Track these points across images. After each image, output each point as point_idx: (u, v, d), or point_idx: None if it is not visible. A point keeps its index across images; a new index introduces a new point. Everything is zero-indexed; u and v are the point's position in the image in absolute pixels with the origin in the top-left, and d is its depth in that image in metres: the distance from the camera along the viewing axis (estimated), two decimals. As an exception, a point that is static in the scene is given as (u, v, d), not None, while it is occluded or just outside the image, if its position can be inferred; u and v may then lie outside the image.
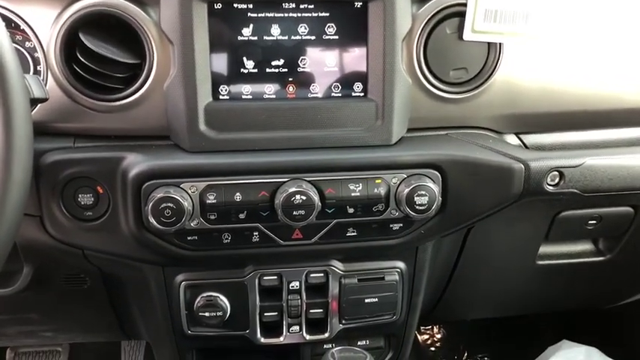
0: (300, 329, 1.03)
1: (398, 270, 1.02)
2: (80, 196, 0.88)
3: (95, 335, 1.36)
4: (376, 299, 1.01)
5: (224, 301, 0.98)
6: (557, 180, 0.96)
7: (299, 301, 1.00)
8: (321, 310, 1.02)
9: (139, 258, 0.95)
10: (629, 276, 1.26)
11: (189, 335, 1.01)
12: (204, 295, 0.97)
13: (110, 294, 1.10)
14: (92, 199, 0.88)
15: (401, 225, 0.94)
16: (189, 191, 0.86)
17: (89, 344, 1.87)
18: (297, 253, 0.96)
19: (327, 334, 1.04)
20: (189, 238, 0.90)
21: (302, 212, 0.87)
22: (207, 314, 0.97)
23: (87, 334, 1.34)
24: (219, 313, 0.97)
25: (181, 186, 0.86)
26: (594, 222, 1.13)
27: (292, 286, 0.99)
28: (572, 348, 1.21)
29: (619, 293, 1.34)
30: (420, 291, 1.06)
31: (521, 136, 1.00)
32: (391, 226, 0.93)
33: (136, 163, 0.86)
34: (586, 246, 1.23)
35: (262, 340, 1.02)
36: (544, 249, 1.19)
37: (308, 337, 1.03)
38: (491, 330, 1.87)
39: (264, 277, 0.99)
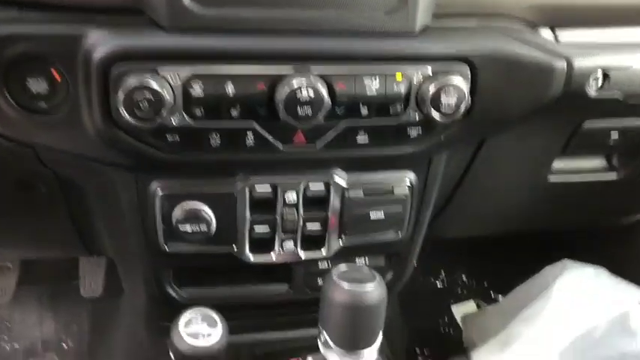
0: (295, 246, 0.90)
1: (408, 182, 0.89)
2: (30, 81, 0.70)
3: (50, 251, 1.21)
4: (382, 215, 0.89)
5: (208, 213, 0.83)
6: (600, 83, 0.83)
7: (295, 215, 0.87)
8: (319, 226, 0.89)
9: (106, 160, 0.79)
10: (640, 193, 1.18)
11: (166, 252, 0.87)
12: (186, 205, 0.83)
13: (69, 204, 0.94)
14: (46, 86, 0.71)
15: (420, 130, 0.80)
16: (170, 79, 0.70)
17: (43, 261, 1.71)
18: (296, 161, 0.82)
19: (324, 252, 0.91)
20: (168, 138, 0.75)
21: (308, 111, 0.72)
22: (188, 228, 0.83)
23: (41, 250, 1.19)
24: (203, 228, 0.83)
25: (160, 73, 0.69)
26: (617, 135, 1.02)
27: (288, 199, 0.86)
28: (578, 268, 1.14)
29: (629, 210, 1.26)
30: (429, 206, 0.94)
31: (557, 30, 0.86)
32: (409, 131, 0.80)
33: (102, 40, 0.68)
34: (600, 162, 1.13)
35: (251, 258, 0.90)
36: (557, 164, 1.09)
37: (303, 254, 0.91)
38: (478, 250, 1.81)
39: (257, 188, 0.84)
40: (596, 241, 1.46)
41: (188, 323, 0.79)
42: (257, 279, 0.97)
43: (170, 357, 1.01)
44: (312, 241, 0.92)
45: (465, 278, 1.97)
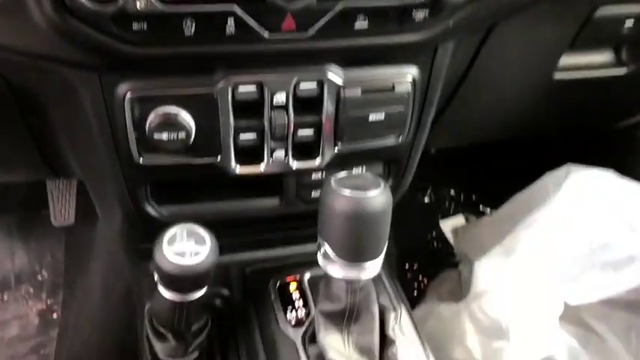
0: (286, 155, 0.81)
1: (411, 78, 0.79)
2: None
3: (12, 174, 1.10)
4: (382, 116, 0.79)
5: (186, 119, 0.73)
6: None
7: (285, 119, 0.77)
8: (312, 131, 0.80)
9: (62, 58, 0.68)
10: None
11: (141, 165, 0.77)
12: (160, 110, 0.72)
13: (26, 117, 0.83)
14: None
15: (426, 13, 0.69)
16: None
17: (8, 189, 1.60)
18: (285, 53, 0.71)
19: (317, 161, 0.82)
20: (134, 26, 0.63)
21: None
22: (164, 137, 0.73)
23: (1, 173, 1.07)
24: (181, 135, 0.73)
25: None
26: (631, 23, 0.93)
27: (276, 100, 0.75)
28: (583, 171, 1.07)
29: (634, 109, 1.19)
30: (433, 104, 0.85)
31: None
32: (414, 14, 0.69)
33: None
34: (608, 56, 1.05)
35: (238, 169, 0.80)
36: (564, 60, 1.00)
37: (295, 164, 0.82)
38: (466, 163, 1.75)
39: (240, 88, 0.74)
40: (595, 147, 1.40)
41: (172, 240, 0.71)
42: (244, 193, 0.88)
43: (153, 279, 0.94)
44: (305, 150, 0.82)
45: (452, 193, 1.92)
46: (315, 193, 0.88)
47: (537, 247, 1.00)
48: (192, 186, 0.87)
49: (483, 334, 1.00)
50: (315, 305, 0.82)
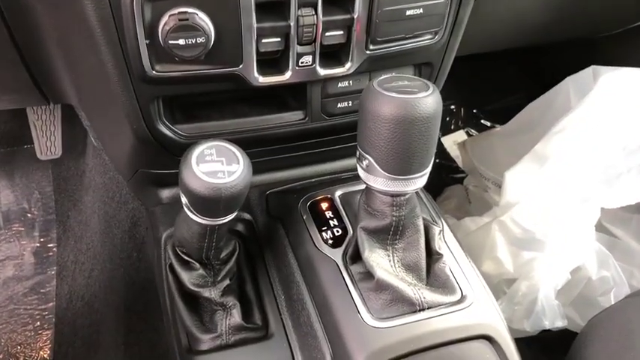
0: (313, 61, 0.72)
1: None
2: None
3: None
4: (420, 10, 0.71)
5: (205, 20, 0.64)
6: None
7: (314, 19, 0.68)
8: (342, 33, 0.72)
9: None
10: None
11: (154, 77, 0.68)
12: (175, 11, 0.63)
13: (13, 32, 0.73)
14: None
15: None
16: None
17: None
18: None
19: (347, 66, 0.75)
20: None
21: None
22: (180, 42, 0.64)
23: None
24: (200, 40, 0.64)
25: None
26: None
27: (305, -3, 0.67)
28: (612, 71, 1.01)
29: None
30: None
31: None
32: None
33: None
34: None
35: (260, 79, 0.72)
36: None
37: (322, 71, 0.74)
38: (464, 76, 1.67)
39: None
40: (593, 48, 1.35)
41: (200, 159, 0.63)
42: (264, 109, 0.80)
43: (169, 206, 0.87)
44: (332, 54, 0.74)
45: (452, 107, 1.86)
46: (341, 105, 0.81)
47: (570, 153, 0.96)
48: (206, 102, 0.79)
49: (515, 245, 0.96)
50: (350, 223, 0.76)
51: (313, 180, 0.89)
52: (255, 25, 0.67)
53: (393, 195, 0.67)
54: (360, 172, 0.67)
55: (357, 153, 0.67)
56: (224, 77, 0.70)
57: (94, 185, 1.36)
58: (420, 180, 0.65)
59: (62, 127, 1.43)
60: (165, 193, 0.91)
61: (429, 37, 0.76)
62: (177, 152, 0.78)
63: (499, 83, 1.89)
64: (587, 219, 0.93)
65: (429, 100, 0.61)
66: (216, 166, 0.63)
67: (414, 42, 0.76)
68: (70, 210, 1.44)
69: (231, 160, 0.64)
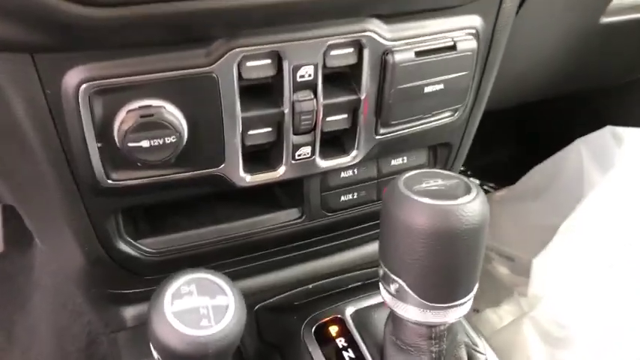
0: (312, 152, 0.58)
1: (473, 31, 0.58)
2: None
3: None
4: (441, 85, 0.58)
5: (175, 114, 0.49)
6: None
7: (313, 102, 0.54)
8: (346, 116, 0.58)
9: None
10: None
11: (110, 188, 0.52)
12: (135, 105, 0.47)
13: None
14: None
15: None
16: None
17: None
18: (309, 4, 0.48)
19: (353, 154, 0.60)
20: None
21: None
22: (144, 143, 0.48)
23: None
24: (169, 139, 0.49)
25: None
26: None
27: (301, 76, 0.52)
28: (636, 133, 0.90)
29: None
30: (495, 66, 0.65)
31: None
32: None
33: None
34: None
35: (248, 178, 0.57)
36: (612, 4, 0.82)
37: (323, 163, 0.60)
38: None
39: (249, 62, 0.50)
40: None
41: (177, 298, 0.47)
42: (250, 208, 0.65)
43: (134, 332, 0.70)
44: (333, 141, 0.60)
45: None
46: (344, 198, 0.66)
47: (603, 230, 0.83)
48: (177, 205, 0.63)
49: (548, 343, 0.82)
50: (371, 355, 0.60)
51: (312, 286, 0.73)
52: (239, 114, 0.52)
53: (431, 325, 0.51)
54: (386, 297, 0.52)
55: (381, 272, 0.51)
56: (202, 181, 0.55)
57: (43, 286, 1.16)
58: (465, 306, 0.51)
59: (4, 217, 1.23)
60: (130, 312, 0.73)
61: (448, 114, 0.63)
62: (143, 272, 0.61)
63: (479, 137, 1.78)
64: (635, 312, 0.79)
65: (475, 206, 0.47)
66: (198, 308, 0.47)
67: (432, 121, 0.62)
68: (16, 314, 1.23)
69: (218, 299, 0.48)
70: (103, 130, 0.48)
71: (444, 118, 0.63)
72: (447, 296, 0.49)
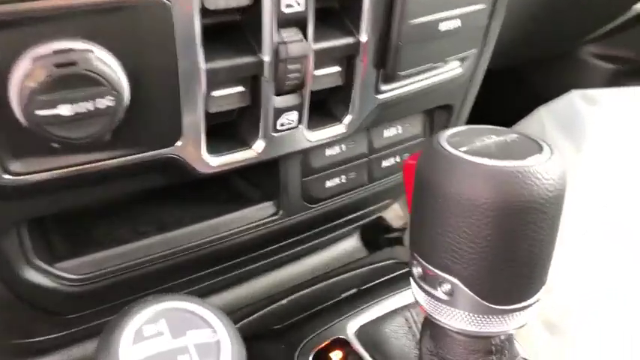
0: (300, 119, 0.43)
1: None
2: None
3: None
4: (458, 22, 0.44)
5: (110, 64, 0.32)
6: None
7: (303, 44, 0.39)
8: (339, 70, 0.43)
9: None
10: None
11: (10, 186, 0.34)
12: (48, 48, 0.30)
13: None
14: None
15: None
16: None
17: None
18: None
19: (347, 121, 0.46)
20: None
21: None
22: (63, 110, 0.31)
23: None
24: (103, 102, 0.31)
25: None
26: None
27: (288, 5, 0.37)
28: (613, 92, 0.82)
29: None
30: (504, 6, 0.52)
31: None
32: None
33: None
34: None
35: (213, 161, 0.41)
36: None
37: (311, 134, 0.44)
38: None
39: None
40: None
41: (139, 339, 0.30)
42: (207, 206, 0.48)
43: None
44: (319, 105, 0.45)
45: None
46: (331, 183, 0.51)
47: (579, 198, 0.73)
48: (108, 209, 0.45)
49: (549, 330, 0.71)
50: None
51: (297, 296, 0.57)
52: (203, 65, 0.36)
53: (491, 336, 0.38)
54: (428, 305, 0.38)
55: (418, 271, 0.37)
56: (147, 169, 0.38)
57: None
58: (537, 305, 0.37)
59: None
60: None
61: (457, 64, 0.50)
62: (63, 309, 0.43)
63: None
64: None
65: (555, 167, 0.34)
66: (174, 354, 0.30)
67: (440, 73, 0.49)
68: None
69: (203, 335, 0.31)
70: (-5, 91, 0.30)
71: (451, 70, 0.49)
72: (518, 293, 0.36)
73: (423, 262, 0.37)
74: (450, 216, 0.34)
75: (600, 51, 1.18)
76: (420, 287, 0.38)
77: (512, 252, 0.34)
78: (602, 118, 0.78)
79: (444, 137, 0.36)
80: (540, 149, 0.35)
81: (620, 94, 0.84)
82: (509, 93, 1.32)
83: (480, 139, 0.36)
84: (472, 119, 0.60)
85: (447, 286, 0.36)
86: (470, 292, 0.35)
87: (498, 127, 0.38)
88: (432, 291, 0.37)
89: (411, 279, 0.39)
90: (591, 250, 0.75)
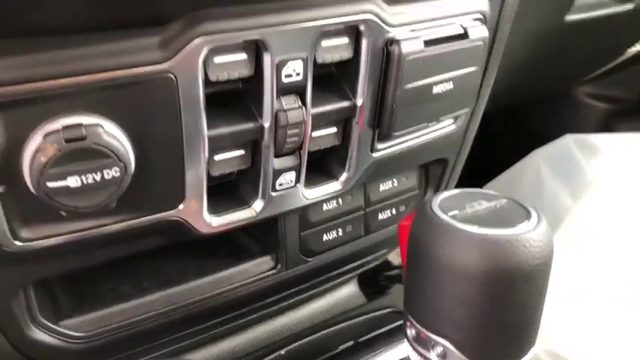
0: (297, 179, 0.44)
1: (481, 16, 0.47)
2: None
3: None
4: (451, 84, 0.46)
5: (117, 136, 0.33)
6: None
7: (302, 111, 0.40)
8: (336, 131, 0.45)
9: None
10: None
11: (19, 252, 0.35)
12: (58, 124, 0.32)
13: None
14: None
15: None
16: None
17: None
18: None
19: (343, 179, 0.47)
20: None
21: None
22: (71, 182, 0.32)
23: None
24: (110, 173, 0.33)
25: None
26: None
27: (287, 75, 0.39)
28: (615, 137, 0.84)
29: (632, 42, 0.98)
30: (497, 63, 0.54)
31: None
32: None
33: None
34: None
35: (214, 221, 0.42)
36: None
37: (309, 192, 0.46)
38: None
39: (219, 54, 0.36)
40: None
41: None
42: (207, 262, 0.50)
43: None
44: (317, 164, 0.47)
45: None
46: (328, 237, 0.53)
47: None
48: (112, 266, 0.47)
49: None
50: None
51: (295, 346, 0.57)
52: (205, 132, 0.37)
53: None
54: None
55: (411, 332, 0.38)
56: (151, 231, 0.39)
57: None
58: None
59: None
60: None
61: (450, 122, 0.52)
62: None
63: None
64: None
65: (542, 235, 0.35)
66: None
67: (434, 131, 0.50)
68: None
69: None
70: (6, 166, 0.32)
71: (445, 127, 0.51)
72: (509, 355, 0.37)
73: (417, 325, 0.38)
74: (441, 282, 0.35)
75: (595, 91, 1.21)
76: (414, 348, 0.39)
77: (503, 316, 0.35)
78: (598, 166, 0.80)
79: (436, 202, 0.37)
80: (528, 215, 0.36)
81: (613, 138, 0.85)
82: (505, 131, 1.34)
83: (470, 204, 0.38)
84: (469, 159, 0.62)
85: (439, 349, 0.37)
86: (462, 356, 0.36)
87: (489, 192, 0.39)
88: (426, 353, 0.38)
89: (405, 340, 0.40)
90: (587, 303, 0.76)
